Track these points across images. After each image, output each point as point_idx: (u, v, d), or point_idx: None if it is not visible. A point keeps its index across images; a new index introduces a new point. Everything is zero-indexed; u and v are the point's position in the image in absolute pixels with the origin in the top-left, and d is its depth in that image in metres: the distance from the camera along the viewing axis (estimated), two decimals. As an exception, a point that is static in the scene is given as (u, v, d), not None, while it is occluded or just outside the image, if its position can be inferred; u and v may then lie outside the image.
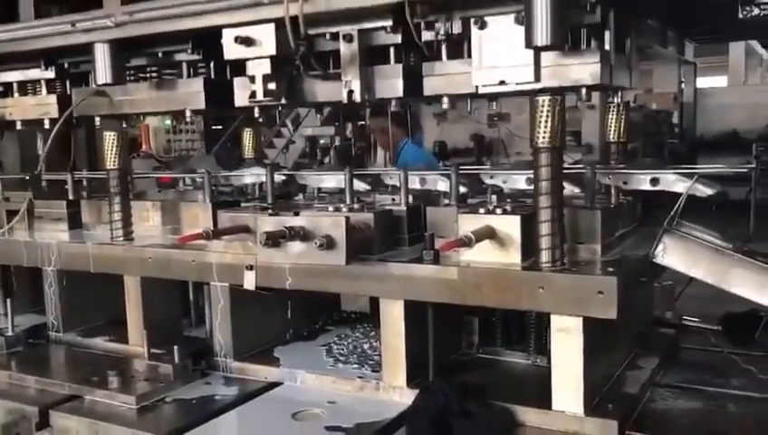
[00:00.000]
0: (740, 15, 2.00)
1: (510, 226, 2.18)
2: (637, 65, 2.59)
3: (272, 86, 2.56)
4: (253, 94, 2.59)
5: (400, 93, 2.52)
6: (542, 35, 2.08)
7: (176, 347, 2.57)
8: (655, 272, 2.41)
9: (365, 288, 2.42)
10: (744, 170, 2.36)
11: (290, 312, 2.85)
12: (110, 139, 2.86)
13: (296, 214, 2.43)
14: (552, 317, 2.10)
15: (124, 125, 3.36)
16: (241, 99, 2.73)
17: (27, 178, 3.35)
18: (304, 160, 11.72)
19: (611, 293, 1.98)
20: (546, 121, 2.08)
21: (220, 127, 12.07)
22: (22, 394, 2.57)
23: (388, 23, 2.36)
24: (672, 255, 2.24)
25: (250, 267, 2.53)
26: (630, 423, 2.12)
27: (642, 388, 2.33)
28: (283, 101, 2.62)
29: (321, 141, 11.35)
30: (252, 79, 2.59)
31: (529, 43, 2.11)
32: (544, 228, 2.12)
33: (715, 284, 2.19)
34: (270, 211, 2.55)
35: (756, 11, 1.96)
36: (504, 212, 2.21)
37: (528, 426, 2.15)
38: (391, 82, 2.52)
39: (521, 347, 2.57)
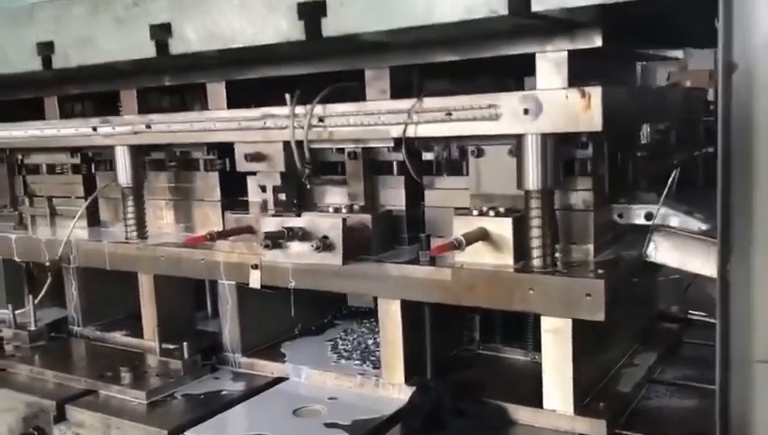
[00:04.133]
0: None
1: (502, 228, 2.22)
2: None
3: (282, 196, 2.66)
4: (264, 204, 2.68)
5: (403, 205, 2.59)
6: (532, 180, 2.11)
7: (185, 343, 2.67)
8: (653, 268, 2.42)
9: (363, 288, 2.48)
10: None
11: (295, 308, 2.92)
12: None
13: (298, 215, 2.51)
14: (543, 318, 2.14)
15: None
16: (254, 197, 2.77)
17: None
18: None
19: (599, 295, 2.01)
20: (536, 126, 2.10)
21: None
22: (42, 388, 2.69)
23: (390, 144, 2.41)
24: (664, 252, 2.25)
25: (255, 266, 2.60)
26: (622, 422, 2.16)
27: (637, 386, 2.35)
28: (293, 209, 2.70)
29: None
30: (263, 189, 2.68)
31: (520, 184, 2.15)
32: (535, 231, 2.16)
33: (711, 275, 2.18)
34: (273, 212, 2.62)
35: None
36: (497, 214, 2.25)
37: (520, 424, 2.20)
38: (394, 192, 2.60)
39: (520, 344, 2.61)
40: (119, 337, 3.11)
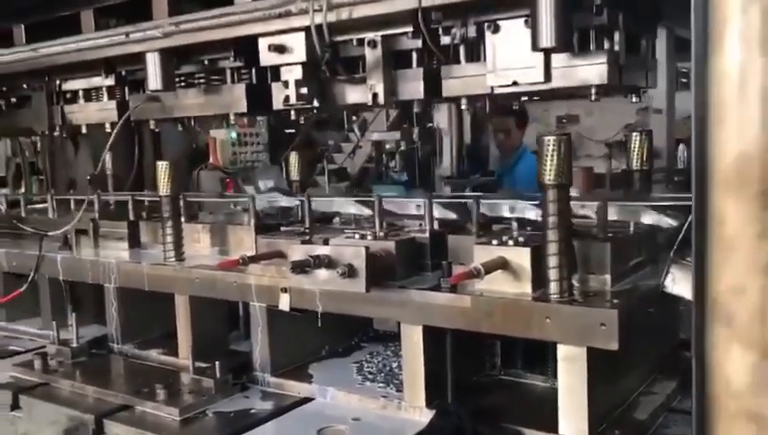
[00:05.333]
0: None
1: (521, 257, 2.29)
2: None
3: (303, 90, 2.78)
4: (287, 99, 2.81)
5: (421, 95, 2.71)
6: (546, 38, 2.20)
7: (217, 363, 2.78)
8: (673, 298, 2.46)
9: (386, 313, 2.57)
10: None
11: (323, 331, 3.02)
12: (162, 167, 3.11)
13: (326, 242, 2.61)
14: (559, 346, 2.20)
15: (180, 128, 3.66)
16: (278, 102, 2.94)
17: (89, 179, 3.64)
18: (370, 165, 11.94)
19: (613, 325, 2.07)
20: (552, 159, 2.17)
21: (293, 131, 12.42)
22: (82, 402, 2.83)
23: (409, 29, 2.53)
24: (681, 284, 2.29)
25: (285, 290, 2.72)
26: (636, 450, 2.20)
27: (654, 414, 2.39)
28: (315, 103, 2.83)
29: (388, 146, 11.51)
30: (285, 84, 2.80)
31: (535, 45, 2.23)
32: (552, 261, 2.22)
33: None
34: (302, 239, 2.73)
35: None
36: (516, 244, 2.32)
37: (537, 449, 2.27)
38: (413, 85, 2.71)
39: (541, 370, 2.67)
40: (155, 355, 3.24)
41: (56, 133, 4.00)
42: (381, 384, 2.73)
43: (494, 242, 2.35)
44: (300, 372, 2.89)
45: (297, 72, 2.76)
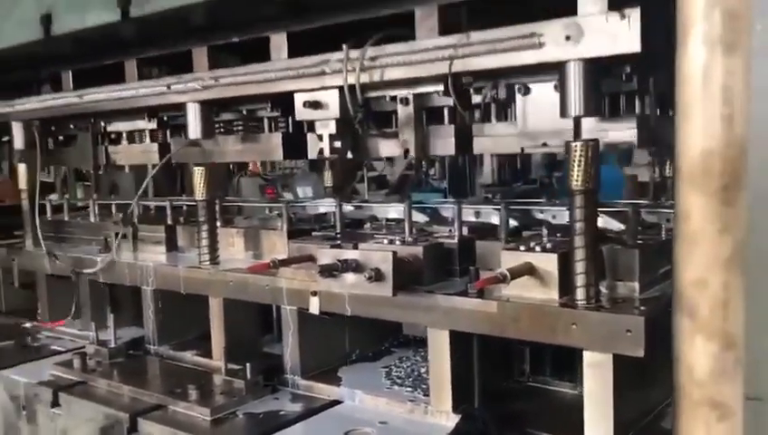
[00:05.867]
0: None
1: (548, 263, 2.29)
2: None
3: (337, 144, 2.81)
4: (321, 151, 2.84)
5: (452, 151, 2.72)
6: (575, 106, 2.18)
7: (248, 365, 2.83)
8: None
9: (413, 317, 2.58)
10: None
11: (353, 335, 3.05)
12: (198, 173, 3.18)
13: (355, 246, 2.64)
14: (584, 353, 2.19)
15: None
16: (312, 153, 2.98)
17: (122, 217, 3.70)
18: (410, 172, 11.97)
19: (639, 331, 2.05)
20: (579, 165, 2.17)
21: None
22: (118, 401, 2.91)
23: (440, 88, 2.54)
24: (711, 293, 2.26)
25: (314, 293, 2.75)
26: (663, 459, 2.18)
27: (683, 423, 2.36)
28: (349, 155, 2.87)
29: (428, 154, 11.48)
30: (320, 137, 2.84)
31: (564, 112, 2.22)
32: (579, 267, 2.21)
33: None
34: (331, 244, 2.76)
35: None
36: (543, 250, 2.32)
37: (562, 456, 2.25)
38: (444, 141, 2.72)
39: (570, 377, 2.65)
40: (189, 356, 3.31)
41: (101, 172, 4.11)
42: (409, 389, 2.74)
43: (522, 248, 2.35)
44: (329, 376, 2.93)
45: (331, 127, 2.80)
